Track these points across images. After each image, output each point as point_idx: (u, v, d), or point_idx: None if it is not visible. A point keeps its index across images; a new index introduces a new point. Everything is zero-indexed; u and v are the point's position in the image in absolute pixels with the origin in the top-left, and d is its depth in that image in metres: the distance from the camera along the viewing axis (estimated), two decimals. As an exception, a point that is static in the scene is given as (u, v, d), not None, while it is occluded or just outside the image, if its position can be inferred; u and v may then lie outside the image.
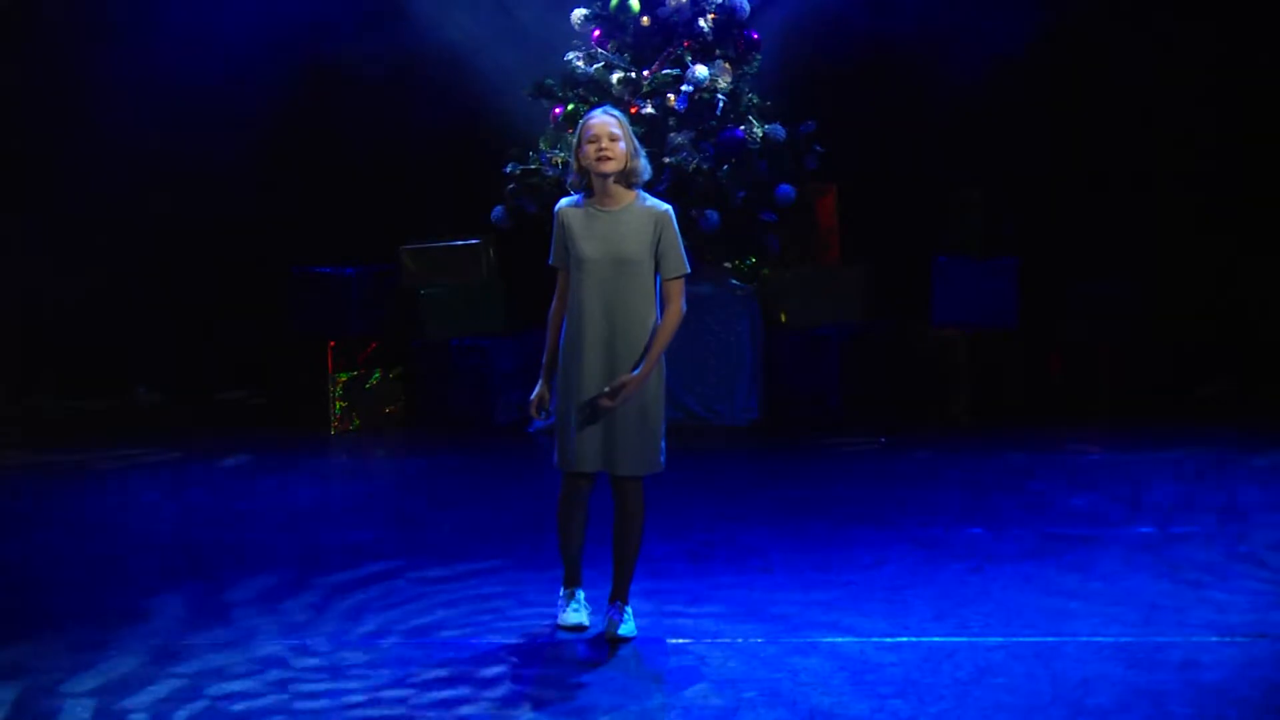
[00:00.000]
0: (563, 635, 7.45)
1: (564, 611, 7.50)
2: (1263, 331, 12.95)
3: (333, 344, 12.29)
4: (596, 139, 7.13)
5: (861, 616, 7.66)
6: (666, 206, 7.24)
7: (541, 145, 12.28)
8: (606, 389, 7.12)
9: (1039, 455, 10.99)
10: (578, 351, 7.19)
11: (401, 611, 7.84)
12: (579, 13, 12.53)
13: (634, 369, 7.16)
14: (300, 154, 13.15)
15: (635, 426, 7.20)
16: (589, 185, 7.23)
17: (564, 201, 7.33)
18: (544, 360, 7.38)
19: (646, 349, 7.18)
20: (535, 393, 7.38)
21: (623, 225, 7.17)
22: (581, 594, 7.52)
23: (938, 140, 12.94)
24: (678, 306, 7.20)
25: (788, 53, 12.70)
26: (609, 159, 7.12)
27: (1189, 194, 12.93)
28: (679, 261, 7.20)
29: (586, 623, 7.46)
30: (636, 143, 7.22)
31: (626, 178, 7.18)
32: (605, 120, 7.17)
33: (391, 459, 11.63)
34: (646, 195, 7.27)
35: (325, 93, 13.16)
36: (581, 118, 7.30)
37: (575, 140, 7.24)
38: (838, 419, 12.13)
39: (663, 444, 7.31)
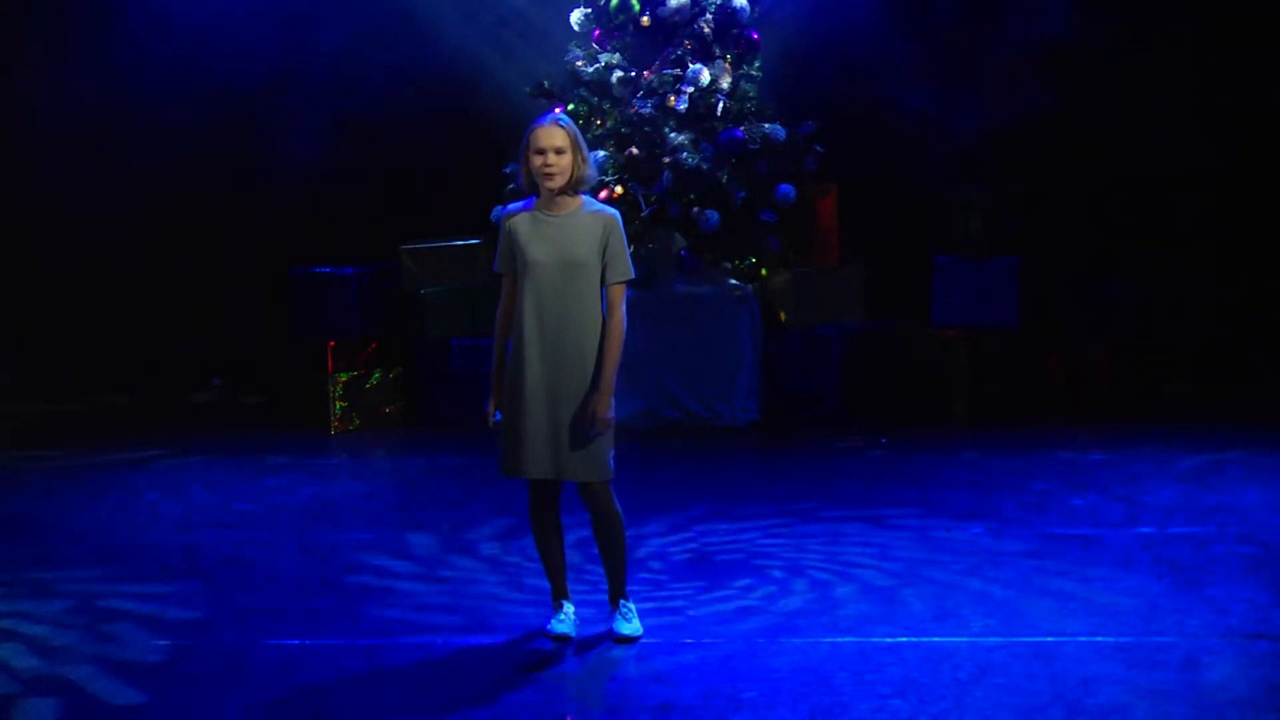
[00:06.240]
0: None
1: (553, 621, 7.47)
2: (1264, 330, 12.96)
3: (333, 344, 12.28)
4: (543, 152, 7.08)
5: (861, 617, 7.66)
6: (614, 211, 7.23)
7: (542, 145, 12.27)
8: (590, 431, 7.09)
9: (1039, 455, 10.98)
10: (523, 357, 7.16)
11: (401, 611, 7.85)
12: (579, 13, 12.53)
13: (589, 387, 7.11)
14: (300, 153, 13.15)
15: (580, 433, 7.15)
16: (536, 189, 7.20)
17: (510, 207, 7.32)
18: (493, 370, 7.33)
19: (598, 364, 7.13)
20: (490, 403, 7.36)
21: (572, 229, 7.14)
22: (569, 606, 7.47)
23: (938, 140, 12.93)
24: (620, 314, 7.17)
25: (788, 53, 12.70)
26: (553, 174, 7.08)
27: (1189, 193, 12.93)
28: (625, 267, 7.18)
29: (572, 634, 7.41)
30: (585, 150, 7.16)
31: (573, 186, 7.16)
32: (551, 131, 7.10)
33: (391, 459, 11.63)
34: (592, 200, 7.25)
35: (326, 92, 13.15)
36: (529, 127, 7.18)
37: (523, 145, 7.16)
38: (838, 419, 12.12)
39: (612, 451, 7.23)
